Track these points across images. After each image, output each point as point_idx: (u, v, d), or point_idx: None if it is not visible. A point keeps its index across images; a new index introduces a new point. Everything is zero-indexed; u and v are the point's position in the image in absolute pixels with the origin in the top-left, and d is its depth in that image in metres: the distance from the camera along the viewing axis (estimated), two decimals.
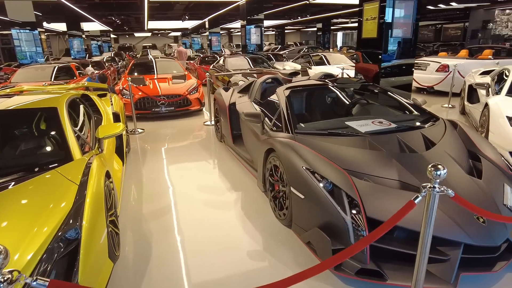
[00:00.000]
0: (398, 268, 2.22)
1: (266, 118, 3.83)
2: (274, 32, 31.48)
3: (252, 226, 3.03)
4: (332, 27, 25.94)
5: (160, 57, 10.22)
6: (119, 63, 17.42)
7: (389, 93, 4.00)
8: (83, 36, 19.69)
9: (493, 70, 6.65)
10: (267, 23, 14.74)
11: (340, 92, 4.14)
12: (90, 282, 1.85)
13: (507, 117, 4.29)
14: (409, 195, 2.40)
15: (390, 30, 6.14)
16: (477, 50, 11.27)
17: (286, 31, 32.08)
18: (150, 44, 32.70)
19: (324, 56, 11.31)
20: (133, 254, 2.68)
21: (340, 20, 23.10)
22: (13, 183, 2.18)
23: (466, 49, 11.21)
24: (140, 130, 6.50)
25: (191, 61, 15.86)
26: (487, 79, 6.15)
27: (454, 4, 15.91)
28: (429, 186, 1.54)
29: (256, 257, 2.59)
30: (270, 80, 4.76)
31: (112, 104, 4.60)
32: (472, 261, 2.26)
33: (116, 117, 4.34)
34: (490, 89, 5.41)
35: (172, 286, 2.33)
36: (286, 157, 2.78)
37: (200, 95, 7.77)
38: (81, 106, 3.63)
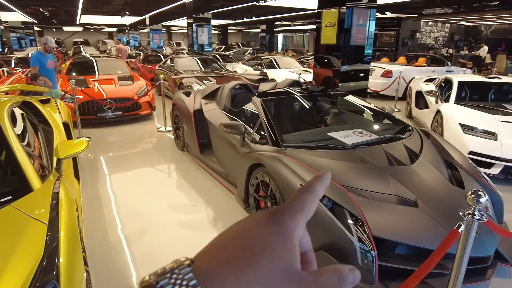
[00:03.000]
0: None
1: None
2: (216, 32, 31.07)
3: None
4: (275, 29, 26.37)
5: (102, 56, 9.35)
6: None
7: (359, 101, 4.03)
8: (1, 26, 17.34)
9: (435, 78, 7.20)
10: (212, 22, 14.37)
11: (313, 101, 4.08)
12: None
13: (459, 124, 4.61)
14: (408, 210, 2.39)
15: (348, 37, 6.29)
16: (412, 57, 12.22)
17: (228, 31, 31.89)
18: (82, 40, 30.06)
19: (274, 59, 11.34)
20: None
21: (283, 22, 23.56)
22: None
23: (403, 56, 12.09)
24: (87, 139, 5.80)
25: (132, 60, 14.88)
26: (431, 87, 6.63)
27: (389, 14, 17.14)
28: (469, 212, 1.48)
29: None
30: (238, 86, 4.53)
31: (59, 112, 3.98)
32: (468, 272, 2.31)
33: (66, 128, 3.75)
34: (438, 96, 5.81)
35: None
36: (279, 173, 2.60)
37: (150, 98, 7.22)
38: (25, 116, 3.04)
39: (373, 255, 2.13)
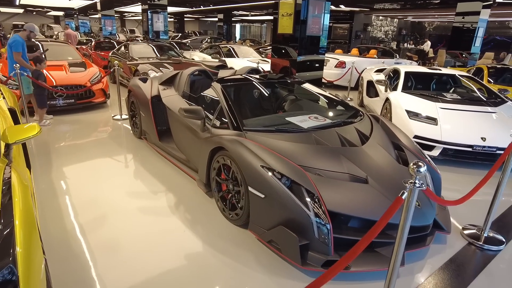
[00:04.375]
0: (358, 255, 2.37)
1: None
2: (173, 20, 30.15)
3: (203, 230, 2.85)
4: (232, 19, 26.16)
5: (50, 41, 8.74)
6: None
7: (315, 89, 4.21)
8: None
9: (385, 68, 7.65)
10: (168, 9, 13.96)
11: (271, 87, 4.18)
12: None
13: (406, 110, 4.98)
14: (359, 186, 2.58)
15: (304, 27, 6.47)
16: (364, 49, 12.80)
17: (185, 19, 31.10)
18: (24, 23, 27.70)
19: (232, 48, 11.33)
20: (70, 284, 2.24)
21: (240, 12, 23.43)
22: None
23: (356, 47, 12.62)
24: (50, 117, 5.48)
25: (83, 46, 14.07)
26: (381, 76, 7.05)
27: (342, 7, 17.72)
28: (411, 181, 1.66)
29: (216, 263, 2.45)
30: (197, 72, 4.51)
31: (4, 98, 3.71)
32: (411, 240, 2.56)
33: (13, 114, 3.52)
34: (387, 85, 6.21)
35: None
36: (240, 156, 2.68)
37: (104, 86, 6.93)
38: None
39: (328, 228, 2.29)
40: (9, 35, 20.36)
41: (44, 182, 3.64)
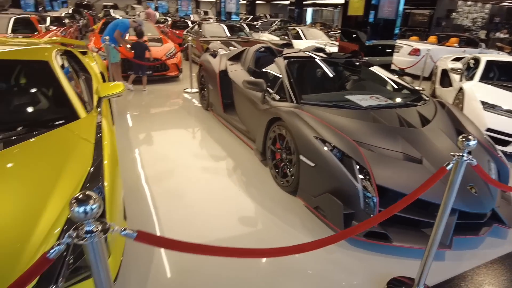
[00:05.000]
0: (401, 231, 2.40)
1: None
2: (245, 2, 30.57)
3: (256, 192, 3.08)
4: (304, 3, 25.71)
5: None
6: (80, 22, 16.11)
7: (383, 72, 4.13)
8: None
9: (463, 57, 7.06)
10: None
11: (335, 66, 4.20)
12: (113, 243, 1.80)
13: (480, 101, 4.63)
14: (412, 166, 2.57)
15: (376, 9, 6.24)
16: (443, 37, 11.82)
17: (257, 2, 31.29)
18: (112, 4, 30.32)
19: (301, 30, 11.26)
20: (138, 219, 2.63)
21: None
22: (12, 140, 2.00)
23: (434, 35, 11.71)
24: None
25: (160, 25, 15.08)
26: (459, 65, 6.54)
27: None
28: (459, 154, 1.66)
29: (266, 221, 2.66)
30: (263, 49, 4.69)
31: (96, 63, 4.30)
32: (463, 226, 2.50)
33: (102, 77, 4.08)
34: (463, 74, 5.77)
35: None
36: (295, 126, 2.82)
37: (178, 61, 7.47)
38: (69, 62, 3.35)
39: (375, 201, 2.35)
40: (99, 14, 22.55)
41: (121, 138, 4.17)
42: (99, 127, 2.22)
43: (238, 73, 4.41)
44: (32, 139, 2.01)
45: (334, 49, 8.78)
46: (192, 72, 7.11)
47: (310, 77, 4.08)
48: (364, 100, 3.34)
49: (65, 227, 1.58)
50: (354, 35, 7.44)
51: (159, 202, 2.84)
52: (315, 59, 4.03)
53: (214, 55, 5.35)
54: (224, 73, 4.72)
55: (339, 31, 12.32)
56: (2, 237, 1.46)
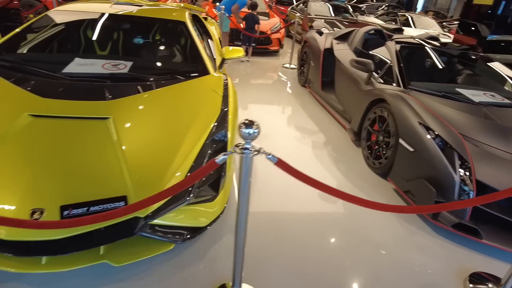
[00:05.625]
0: (494, 231, 2.35)
1: None
2: None
3: (345, 168, 3.23)
4: None
5: None
6: None
7: (505, 69, 3.81)
8: None
9: None
10: None
11: (448, 58, 4.00)
12: (228, 178, 2.15)
13: None
14: None
15: None
16: None
17: None
18: None
19: (411, 17, 10.53)
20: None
21: None
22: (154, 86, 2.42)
23: None
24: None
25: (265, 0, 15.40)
26: None
27: None
28: None
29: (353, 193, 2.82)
30: (373, 31, 4.65)
31: (215, 28, 4.77)
32: None
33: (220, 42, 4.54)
34: None
35: (274, 210, 2.64)
36: (399, 109, 2.86)
37: (281, 36, 7.71)
38: (196, 25, 3.82)
39: (471, 195, 2.33)
40: None
41: None
42: (225, 83, 2.58)
43: (344, 52, 4.48)
44: (174, 85, 2.45)
45: (447, 41, 8.09)
46: (291, 49, 7.31)
47: (420, 65, 3.96)
48: (477, 95, 3.18)
49: (197, 157, 1.96)
50: (473, 28, 6.79)
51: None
52: (428, 47, 3.89)
53: (320, 33, 5.44)
54: (328, 51, 4.82)
55: (456, 22, 11.20)
56: (158, 154, 1.90)
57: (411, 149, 2.65)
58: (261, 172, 2.93)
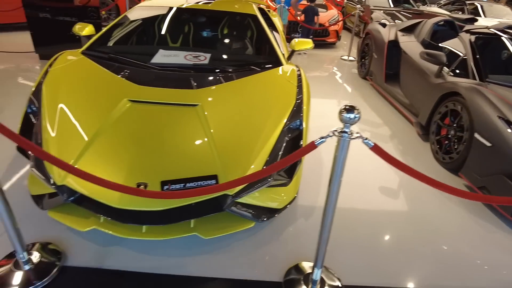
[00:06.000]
0: None
1: None
2: None
3: (412, 162, 3.18)
4: None
5: None
6: None
7: None
8: None
9: None
10: None
11: None
12: (301, 166, 2.24)
13: None
14: None
15: None
16: None
17: None
18: None
19: (481, 6, 9.79)
20: None
21: None
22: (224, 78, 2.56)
23: None
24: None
25: None
26: None
27: None
28: None
29: (420, 188, 2.79)
30: (443, 22, 4.45)
31: (278, 20, 4.86)
32: None
33: None
34: None
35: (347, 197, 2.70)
36: (476, 103, 2.76)
37: (339, 28, 7.61)
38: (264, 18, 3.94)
39: None
40: None
41: None
42: (298, 74, 2.66)
43: (411, 45, 4.35)
44: (251, 76, 2.58)
45: None
46: (350, 41, 7.19)
47: (497, 57, 3.73)
48: None
49: (276, 143, 2.07)
50: None
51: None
52: (505, 38, 3.65)
53: (384, 24, 5.31)
54: (392, 43, 4.70)
55: None
56: (242, 138, 2.05)
57: (488, 144, 2.56)
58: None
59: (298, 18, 6.82)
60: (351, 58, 6.80)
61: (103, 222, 1.90)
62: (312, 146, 1.33)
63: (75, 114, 2.09)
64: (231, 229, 1.97)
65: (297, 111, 2.29)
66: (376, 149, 1.33)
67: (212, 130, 2.04)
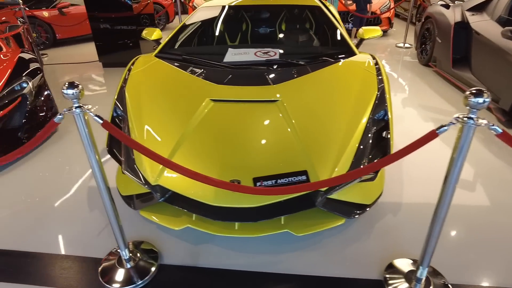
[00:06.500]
0: None
1: None
2: None
3: (497, 150, 2.92)
4: None
5: None
6: None
7: None
8: None
9: None
10: None
11: None
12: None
13: None
14: None
15: None
16: None
17: None
18: None
19: None
20: None
21: None
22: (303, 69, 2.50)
23: None
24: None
25: None
26: None
27: None
28: None
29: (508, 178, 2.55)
30: None
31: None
32: None
33: None
34: None
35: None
36: None
37: (391, 14, 7.26)
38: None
39: None
40: None
41: None
42: (375, 62, 2.53)
43: (485, 24, 4.00)
44: (327, 67, 2.49)
45: None
46: (396, 28, 6.83)
47: None
48: None
49: (362, 136, 1.98)
50: None
51: None
52: None
53: (447, 5, 4.95)
54: (459, 25, 4.37)
55: None
56: (328, 132, 1.98)
57: None
58: None
59: (349, 7, 6.60)
60: (406, 45, 6.46)
61: (195, 220, 1.93)
62: (433, 134, 1.23)
63: (161, 116, 2.14)
64: (323, 226, 1.91)
65: (381, 101, 2.17)
66: (505, 136, 1.19)
67: (296, 125, 1.99)
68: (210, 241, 2.00)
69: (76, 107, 1.36)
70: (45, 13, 7.05)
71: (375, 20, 7.13)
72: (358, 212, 1.96)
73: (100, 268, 1.83)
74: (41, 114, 3.27)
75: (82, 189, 2.54)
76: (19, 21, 5.22)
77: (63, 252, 1.98)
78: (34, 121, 3.17)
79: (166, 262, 1.89)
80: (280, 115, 2.06)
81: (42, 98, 3.34)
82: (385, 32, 7.55)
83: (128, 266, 1.82)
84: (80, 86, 1.35)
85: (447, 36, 4.47)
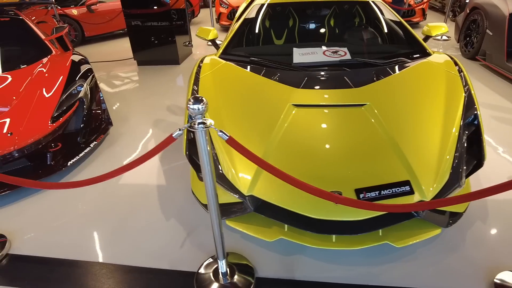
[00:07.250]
0: None
1: None
2: None
3: None
4: None
5: None
6: None
7: None
8: None
9: None
10: None
11: None
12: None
13: None
14: None
15: None
16: None
17: None
18: None
19: None
20: None
21: None
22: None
23: None
24: None
25: None
26: None
27: None
28: None
29: None
30: None
31: None
32: None
33: None
34: None
35: None
36: None
37: (425, 5, 7.04)
38: None
39: None
40: None
41: None
42: (455, 62, 2.40)
43: None
44: (408, 68, 2.37)
45: None
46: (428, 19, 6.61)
47: None
48: None
49: (458, 140, 1.88)
50: None
51: None
52: None
53: None
54: None
55: None
56: (423, 137, 1.89)
57: None
58: None
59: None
60: (444, 37, 6.25)
61: (288, 231, 1.87)
62: None
63: (243, 123, 2.06)
64: (421, 236, 1.83)
65: (470, 104, 2.07)
66: None
67: (390, 131, 1.90)
68: (301, 253, 1.94)
69: (199, 123, 1.29)
70: (74, 11, 7.01)
71: (409, 12, 6.92)
72: (453, 220, 1.88)
73: (195, 281, 1.79)
74: (95, 117, 3.23)
75: (150, 196, 2.49)
76: (55, 21, 5.18)
77: (148, 265, 1.94)
78: (90, 125, 3.14)
79: (261, 275, 1.84)
80: (372, 120, 1.97)
81: (95, 101, 3.31)
82: (417, 24, 7.33)
83: (225, 280, 1.77)
84: (204, 101, 1.28)
85: (501, 28, 4.29)
